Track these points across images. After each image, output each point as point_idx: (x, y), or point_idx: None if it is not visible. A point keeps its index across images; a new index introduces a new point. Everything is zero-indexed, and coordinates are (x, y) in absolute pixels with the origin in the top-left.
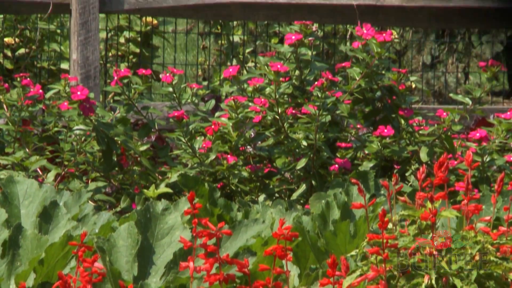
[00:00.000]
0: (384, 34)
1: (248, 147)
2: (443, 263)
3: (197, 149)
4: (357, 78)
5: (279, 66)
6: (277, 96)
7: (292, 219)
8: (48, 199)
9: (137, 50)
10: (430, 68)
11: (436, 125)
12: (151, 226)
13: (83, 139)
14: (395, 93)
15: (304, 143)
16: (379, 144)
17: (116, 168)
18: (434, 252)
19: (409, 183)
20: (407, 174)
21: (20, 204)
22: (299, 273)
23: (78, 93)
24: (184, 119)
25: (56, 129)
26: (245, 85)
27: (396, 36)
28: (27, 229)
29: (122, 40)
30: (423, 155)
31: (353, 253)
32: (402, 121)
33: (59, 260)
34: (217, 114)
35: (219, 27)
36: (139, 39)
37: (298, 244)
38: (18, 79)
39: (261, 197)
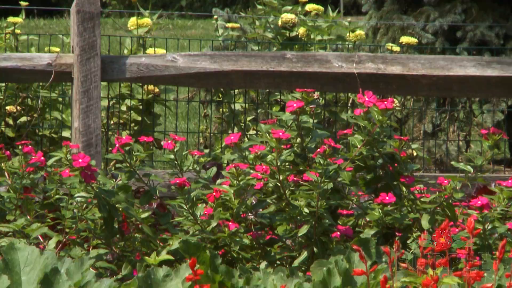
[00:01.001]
0: (385, 102)
1: (249, 214)
2: None
3: (198, 216)
4: (359, 146)
5: (280, 133)
6: (278, 163)
7: (293, 286)
8: (49, 266)
9: (139, 118)
10: (431, 136)
11: (437, 193)
12: None
13: (84, 206)
14: (396, 161)
15: (306, 210)
16: (380, 211)
17: (118, 235)
18: None
19: (411, 250)
20: (408, 241)
21: (21, 271)
22: None
23: (80, 160)
24: (186, 186)
25: (57, 196)
26: (247, 153)
27: (398, 104)
28: None
29: (123, 108)
30: (425, 223)
31: None
32: (404, 189)
33: None
34: (218, 181)
35: (220, 95)
36: (140, 107)
37: None
38: (20, 146)
39: (263, 264)
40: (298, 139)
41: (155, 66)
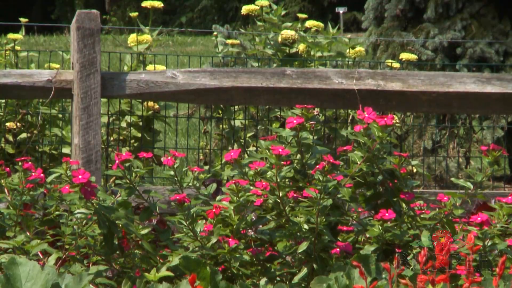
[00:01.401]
0: (385, 118)
1: (249, 230)
2: None
3: (198, 232)
4: (359, 162)
5: (280, 149)
6: (278, 180)
7: None
8: (50, 281)
9: (139, 135)
10: (431, 152)
11: (437, 209)
12: None
13: (84, 222)
14: (396, 177)
15: (306, 226)
16: (380, 227)
17: (117, 252)
18: None
19: (411, 267)
20: (408, 257)
21: (22, 286)
22: None
23: (80, 176)
24: (186, 203)
25: (57, 213)
26: (247, 169)
27: (397, 120)
28: None
29: (123, 124)
30: (425, 239)
31: None
32: (404, 205)
33: None
34: (218, 197)
35: (220, 112)
36: (140, 123)
37: None
38: (20, 163)
39: (263, 281)
40: (298, 156)
41: (155, 82)
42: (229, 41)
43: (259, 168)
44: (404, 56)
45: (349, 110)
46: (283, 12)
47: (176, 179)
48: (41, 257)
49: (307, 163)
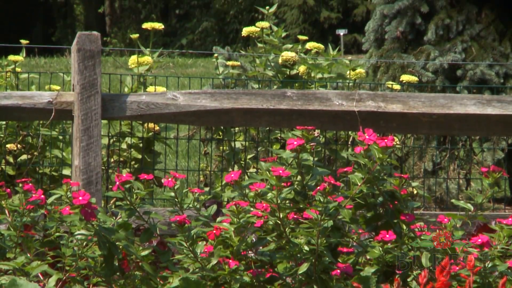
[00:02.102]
0: (386, 140)
1: (249, 252)
2: None
3: (198, 254)
4: (359, 184)
5: (281, 171)
6: (278, 201)
7: None
8: None
9: (139, 156)
10: (431, 174)
11: (437, 231)
12: None
13: (84, 244)
14: (397, 199)
15: (306, 248)
16: (381, 249)
17: (118, 273)
18: None
19: None
20: (409, 279)
21: None
22: None
23: (80, 198)
24: (186, 224)
25: (57, 234)
26: (247, 190)
27: (398, 142)
28: None
29: (124, 146)
30: (425, 260)
31: None
32: (404, 227)
33: None
34: (218, 219)
35: (220, 133)
36: (141, 145)
37: None
38: (20, 184)
39: None
40: (299, 177)
41: (155, 104)
42: (230, 63)
43: (260, 189)
44: (405, 78)
45: (350, 132)
46: (283, 34)
47: (176, 200)
48: (42, 278)
49: (308, 184)
